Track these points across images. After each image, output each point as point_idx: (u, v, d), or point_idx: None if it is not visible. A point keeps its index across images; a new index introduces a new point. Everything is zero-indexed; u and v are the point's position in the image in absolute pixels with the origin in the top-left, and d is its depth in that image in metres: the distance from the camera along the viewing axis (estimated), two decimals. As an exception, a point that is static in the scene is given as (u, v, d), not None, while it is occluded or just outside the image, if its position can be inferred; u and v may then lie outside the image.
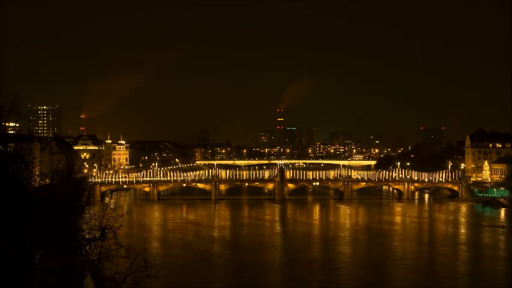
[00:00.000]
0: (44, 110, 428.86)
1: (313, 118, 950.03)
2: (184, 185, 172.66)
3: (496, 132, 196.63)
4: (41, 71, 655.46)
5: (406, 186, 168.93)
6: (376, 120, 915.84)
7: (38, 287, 32.01)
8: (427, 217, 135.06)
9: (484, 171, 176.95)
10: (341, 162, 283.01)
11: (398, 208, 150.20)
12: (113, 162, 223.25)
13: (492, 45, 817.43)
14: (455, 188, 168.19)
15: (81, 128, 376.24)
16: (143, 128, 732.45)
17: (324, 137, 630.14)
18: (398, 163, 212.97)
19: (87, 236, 41.01)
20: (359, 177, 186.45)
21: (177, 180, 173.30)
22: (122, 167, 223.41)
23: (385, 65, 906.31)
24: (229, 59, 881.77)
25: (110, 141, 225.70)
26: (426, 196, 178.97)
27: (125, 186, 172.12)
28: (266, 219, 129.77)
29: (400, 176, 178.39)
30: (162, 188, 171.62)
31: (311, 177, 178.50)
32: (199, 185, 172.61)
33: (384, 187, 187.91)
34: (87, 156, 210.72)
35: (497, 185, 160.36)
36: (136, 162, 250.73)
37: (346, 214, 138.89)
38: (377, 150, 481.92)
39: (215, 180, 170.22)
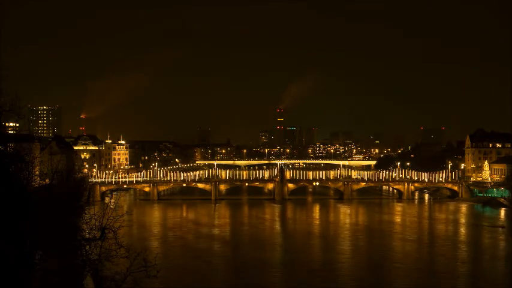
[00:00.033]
0: (44, 110, 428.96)
1: (313, 118, 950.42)
2: (184, 185, 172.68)
3: (496, 132, 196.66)
4: (41, 71, 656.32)
5: (406, 186, 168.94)
6: (376, 120, 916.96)
7: (38, 287, 32.00)
8: (427, 217, 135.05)
9: (484, 171, 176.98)
10: (341, 162, 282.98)
11: (398, 208, 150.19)
12: (113, 162, 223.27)
13: (492, 45, 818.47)
14: (455, 188, 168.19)
15: (81, 128, 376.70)
16: (143, 128, 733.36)
17: (324, 137, 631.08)
18: (398, 163, 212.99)
19: (87, 236, 41.04)
20: (359, 177, 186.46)
21: (177, 180, 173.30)
22: (122, 167, 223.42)
23: (385, 65, 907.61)
24: (229, 59, 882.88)
25: (110, 141, 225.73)
26: (426, 196, 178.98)
27: (125, 186, 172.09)
28: (266, 219, 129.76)
29: (400, 176, 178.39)
30: (162, 188, 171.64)
31: (311, 177, 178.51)
32: (199, 185, 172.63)
33: (384, 187, 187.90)
34: (87, 156, 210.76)
35: (497, 185, 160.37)
36: (136, 162, 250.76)
37: (346, 214, 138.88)
38: (377, 150, 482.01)
39: (215, 180, 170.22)
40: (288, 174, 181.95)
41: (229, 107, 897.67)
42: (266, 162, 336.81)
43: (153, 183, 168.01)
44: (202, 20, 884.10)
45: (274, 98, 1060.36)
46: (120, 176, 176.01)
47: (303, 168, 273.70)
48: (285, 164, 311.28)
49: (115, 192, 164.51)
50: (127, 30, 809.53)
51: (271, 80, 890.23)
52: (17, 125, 55.96)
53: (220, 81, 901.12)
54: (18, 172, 36.91)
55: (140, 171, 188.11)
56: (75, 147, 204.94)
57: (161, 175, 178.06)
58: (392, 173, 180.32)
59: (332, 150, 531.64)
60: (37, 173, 45.26)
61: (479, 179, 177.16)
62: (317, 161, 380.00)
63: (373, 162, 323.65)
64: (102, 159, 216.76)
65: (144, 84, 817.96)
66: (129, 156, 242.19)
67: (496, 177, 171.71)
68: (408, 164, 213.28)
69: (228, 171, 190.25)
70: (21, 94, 38.23)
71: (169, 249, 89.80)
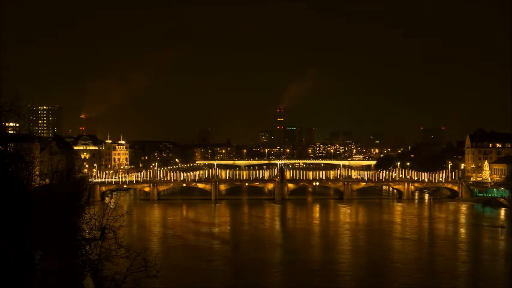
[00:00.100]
0: (44, 110, 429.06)
1: (313, 118, 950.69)
2: (184, 185, 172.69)
3: (496, 132, 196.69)
4: (41, 71, 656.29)
5: (406, 186, 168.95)
6: (376, 120, 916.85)
7: (38, 287, 32.01)
8: (427, 217, 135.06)
9: (484, 171, 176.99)
10: (341, 162, 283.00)
11: (398, 208, 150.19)
12: (113, 162, 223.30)
13: (492, 45, 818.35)
14: (455, 188, 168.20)
15: (81, 128, 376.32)
16: (143, 128, 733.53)
17: (324, 137, 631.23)
18: (398, 163, 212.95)
19: (87, 236, 41.04)
20: (359, 177, 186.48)
21: (177, 180, 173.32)
22: (122, 167, 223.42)
23: (385, 65, 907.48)
24: (229, 59, 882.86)
25: (110, 141, 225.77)
26: (426, 196, 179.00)
27: (125, 186, 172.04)
28: (266, 219, 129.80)
29: (400, 176, 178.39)
30: (162, 188, 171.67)
31: (311, 177, 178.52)
32: (199, 185, 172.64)
33: (384, 187, 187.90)
34: (87, 156, 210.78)
35: (497, 185, 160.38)
36: (136, 162, 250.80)
37: (346, 214, 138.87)
38: (377, 150, 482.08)
39: (215, 180, 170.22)
40: (288, 174, 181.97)
41: (229, 107, 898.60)
42: (266, 162, 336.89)
43: (153, 183, 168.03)
44: (202, 20, 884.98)
45: (274, 98, 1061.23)
46: (120, 176, 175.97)
47: (303, 168, 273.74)
48: (285, 164, 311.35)
49: (115, 192, 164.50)
50: (127, 30, 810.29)
51: (271, 80, 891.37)
52: (17, 125, 55.98)
53: (220, 81, 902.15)
54: (18, 172, 36.90)
55: (140, 171, 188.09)
56: (75, 147, 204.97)
57: (161, 175, 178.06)
58: (392, 173, 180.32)
59: (332, 150, 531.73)
60: (37, 173, 45.25)
61: (479, 179, 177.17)
62: (317, 161, 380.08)
63: (373, 162, 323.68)
64: (102, 159, 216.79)
65: (144, 84, 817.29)
66: (129, 156, 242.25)
67: (496, 177, 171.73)
68: (408, 164, 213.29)
69: (228, 171, 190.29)
70: (21, 94, 38.26)
71: (169, 249, 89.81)
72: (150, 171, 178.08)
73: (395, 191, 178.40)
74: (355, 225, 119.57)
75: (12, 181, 34.01)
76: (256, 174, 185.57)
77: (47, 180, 48.20)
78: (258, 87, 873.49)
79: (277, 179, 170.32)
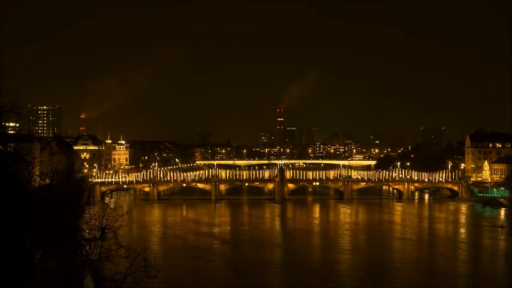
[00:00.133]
0: (44, 110, 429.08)
1: (313, 118, 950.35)
2: (184, 185, 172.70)
3: (496, 132, 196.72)
4: (41, 71, 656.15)
5: (406, 186, 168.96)
6: (376, 120, 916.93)
7: (38, 287, 32.00)
8: (427, 217, 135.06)
9: (484, 171, 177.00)
10: (341, 162, 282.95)
11: (398, 208, 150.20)
12: (113, 162, 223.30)
13: (492, 45, 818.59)
14: (455, 188, 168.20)
15: (81, 128, 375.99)
16: (143, 128, 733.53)
17: (324, 137, 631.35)
18: (398, 163, 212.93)
19: (87, 236, 41.04)
20: (359, 177, 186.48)
21: (177, 180, 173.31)
22: (122, 167, 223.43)
23: (385, 65, 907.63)
24: (229, 59, 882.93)
25: (110, 141, 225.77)
26: (426, 196, 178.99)
27: (125, 186, 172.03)
28: (266, 219, 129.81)
29: (400, 176, 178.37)
30: (162, 188, 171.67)
31: (311, 177, 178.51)
32: (199, 185, 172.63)
33: (384, 187, 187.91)
34: (87, 156, 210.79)
35: (497, 185, 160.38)
36: (136, 162, 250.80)
37: (346, 214, 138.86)
38: (377, 150, 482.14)
39: (215, 180, 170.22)
40: (288, 174, 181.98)
41: (229, 107, 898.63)
42: (266, 162, 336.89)
43: (153, 183, 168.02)
44: (202, 20, 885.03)
45: (274, 98, 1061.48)
46: (120, 176, 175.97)
47: (303, 168, 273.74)
48: (285, 164, 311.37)
49: (115, 192, 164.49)
50: (127, 30, 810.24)
51: (271, 80, 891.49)
52: (17, 125, 55.99)
53: (220, 81, 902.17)
54: (18, 172, 36.90)
55: (140, 171, 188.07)
56: (75, 147, 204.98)
57: (161, 175, 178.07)
58: (392, 173, 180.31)
59: (332, 150, 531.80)
60: (37, 173, 45.25)
61: (479, 179, 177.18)
62: (317, 161, 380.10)
63: (373, 162, 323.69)
64: (102, 159, 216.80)
65: (144, 84, 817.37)
66: (129, 156, 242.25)
67: (496, 177, 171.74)
68: (408, 164, 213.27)
69: (228, 171, 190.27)
70: (21, 94, 38.27)
71: (169, 249, 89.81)
72: (150, 171, 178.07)
73: (395, 191, 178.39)
74: (355, 225, 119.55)
75: (12, 181, 34.01)
76: (256, 174, 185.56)
77: (47, 180, 48.20)
78: (258, 87, 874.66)
79: (277, 179, 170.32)
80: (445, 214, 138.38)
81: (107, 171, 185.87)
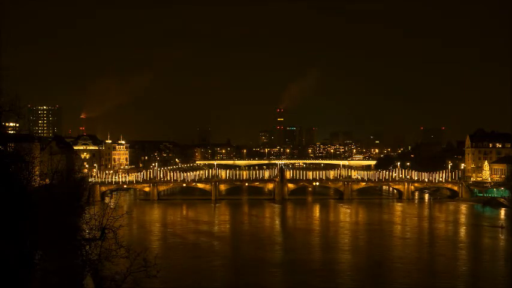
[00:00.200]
0: (44, 110, 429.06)
1: (313, 118, 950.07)
2: (184, 185, 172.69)
3: (496, 132, 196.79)
4: (41, 71, 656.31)
5: (406, 186, 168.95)
6: (376, 120, 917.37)
7: (38, 287, 32.00)
8: (427, 217, 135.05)
9: (484, 171, 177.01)
10: (341, 162, 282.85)
11: (398, 208, 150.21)
12: (113, 162, 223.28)
13: (492, 45, 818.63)
14: (455, 188, 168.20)
15: (81, 128, 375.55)
16: (143, 128, 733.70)
17: (324, 137, 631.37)
18: (398, 163, 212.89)
19: (87, 236, 41.07)
20: (359, 177, 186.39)
21: (177, 180, 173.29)
22: (122, 167, 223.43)
23: (385, 65, 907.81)
24: (229, 59, 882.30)
25: (110, 141, 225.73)
26: (426, 196, 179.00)
27: (125, 186, 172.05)
28: (266, 219, 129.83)
29: (400, 176, 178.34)
30: (162, 188, 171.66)
31: (311, 177, 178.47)
32: (199, 185, 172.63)
33: (384, 187, 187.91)
34: (87, 156, 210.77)
35: (497, 185, 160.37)
36: (136, 162, 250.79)
37: (346, 214, 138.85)
38: (377, 150, 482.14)
39: (215, 180, 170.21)
40: (288, 174, 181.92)
41: (229, 107, 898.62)
42: (266, 162, 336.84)
43: (153, 183, 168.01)
44: (202, 20, 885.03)
45: (274, 98, 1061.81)
46: (120, 176, 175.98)
47: (303, 168, 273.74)
48: (285, 164, 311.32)
49: (115, 192, 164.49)
50: (127, 30, 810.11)
51: (271, 80, 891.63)
52: (17, 125, 56.01)
53: (220, 81, 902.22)
54: (18, 172, 36.91)
55: (140, 171, 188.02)
56: (75, 147, 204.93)
57: (161, 175, 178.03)
58: (392, 173, 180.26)
59: (332, 150, 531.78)
60: (37, 173, 45.26)
61: (479, 179, 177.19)
62: (317, 161, 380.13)
63: (373, 162, 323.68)
64: (102, 159, 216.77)
65: (144, 84, 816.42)
66: (129, 156, 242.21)
67: (496, 177, 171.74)
68: (408, 164, 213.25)
69: (228, 171, 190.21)
70: (21, 94, 38.31)
71: (169, 249, 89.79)
72: (150, 171, 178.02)
73: (395, 191, 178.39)
74: (355, 225, 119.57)
75: (12, 181, 34.01)
76: (256, 174, 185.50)
77: (47, 180, 48.23)
78: (258, 87, 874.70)
79: (277, 179, 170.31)
80: (445, 214, 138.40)
81: (106, 171, 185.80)
